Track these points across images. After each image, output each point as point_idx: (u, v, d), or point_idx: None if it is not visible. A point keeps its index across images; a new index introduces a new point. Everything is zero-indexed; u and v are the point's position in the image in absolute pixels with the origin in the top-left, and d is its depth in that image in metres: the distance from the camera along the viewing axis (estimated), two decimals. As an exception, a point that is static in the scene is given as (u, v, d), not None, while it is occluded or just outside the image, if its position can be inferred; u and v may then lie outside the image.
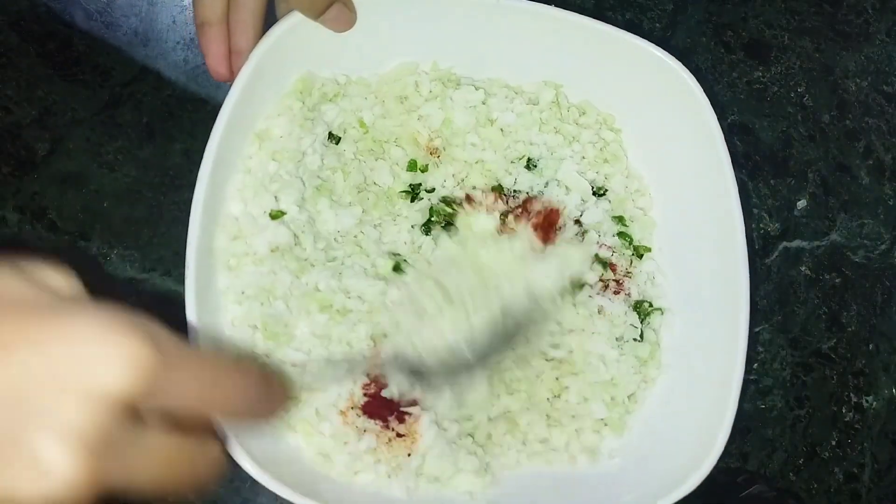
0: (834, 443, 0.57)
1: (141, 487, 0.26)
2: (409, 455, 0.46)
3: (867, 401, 0.59)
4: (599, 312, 0.50)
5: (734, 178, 0.48)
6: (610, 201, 0.53)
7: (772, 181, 0.62)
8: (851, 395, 0.59)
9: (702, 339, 0.49)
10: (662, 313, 0.51)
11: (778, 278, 0.60)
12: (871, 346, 0.60)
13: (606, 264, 0.51)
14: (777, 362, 0.58)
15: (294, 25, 0.45)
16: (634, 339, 0.50)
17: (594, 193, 0.52)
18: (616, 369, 0.49)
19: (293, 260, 0.46)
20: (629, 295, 0.51)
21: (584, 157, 0.53)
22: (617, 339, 0.50)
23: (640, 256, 0.52)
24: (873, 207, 0.62)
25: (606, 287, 0.51)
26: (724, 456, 0.55)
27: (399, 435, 0.46)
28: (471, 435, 0.47)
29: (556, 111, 0.53)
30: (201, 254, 0.42)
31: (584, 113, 0.54)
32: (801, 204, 0.62)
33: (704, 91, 0.49)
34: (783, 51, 0.65)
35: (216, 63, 0.44)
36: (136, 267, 0.52)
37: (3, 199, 0.52)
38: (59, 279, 0.26)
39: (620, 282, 0.51)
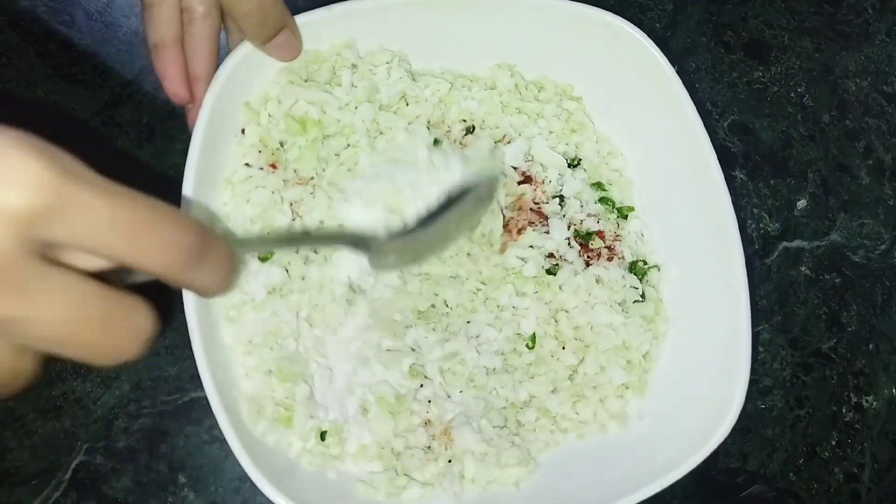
0: (834, 443, 0.57)
1: (47, 338, 0.23)
2: (449, 461, 0.46)
3: (867, 401, 0.59)
4: (598, 282, 0.50)
5: (701, 123, 0.48)
6: (585, 169, 0.53)
7: (772, 181, 0.62)
8: (851, 395, 0.59)
9: (702, 285, 0.49)
10: (659, 269, 0.52)
11: (778, 278, 0.60)
12: (871, 346, 0.60)
13: (592, 235, 0.52)
14: (777, 362, 0.58)
15: (244, 57, 0.45)
16: (636, 301, 0.51)
17: (569, 165, 0.53)
18: (625, 333, 0.50)
19: (291, 295, 0.46)
20: (623, 258, 0.52)
21: (551, 132, 0.53)
22: (620, 303, 0.50)
23: (625, 217, 0.53)
24: (873, 207, 0.62)
25: (599, 256, 0.51)
26: (725, 456, 0.55)
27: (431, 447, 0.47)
28: (505, 426, 0.48)
29: (516, 92, 0.53)
30: (200, 311, 0.42)
31: (542, 88, 0.54)
32: (801, 204, 0.62)
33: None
34: (783, 51, 0.65)
35: (174, 86, 0.44)
36: (136, 267, 0.52)
37: (3, 199, 0.52)
38: None
39: (612, 247, 0.52)
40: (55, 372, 0.50)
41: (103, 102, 0.54)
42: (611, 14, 0.49)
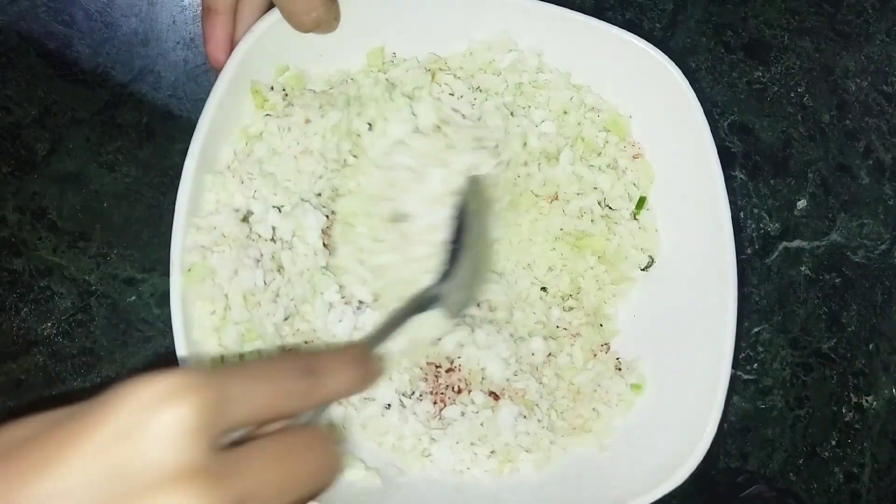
0: (834, 443, 0.57)
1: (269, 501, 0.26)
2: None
3: (867, 401, 0.59)
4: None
5: (710, 132, 0.48)
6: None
7: (772, 181, 0.62)
8: (851, 395, 0.59)
9: (693, 290, 0.49)
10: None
11: (778, 278, 0.60)
12: (871, 346, 0.60)
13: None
14: (777, 362, 0.58)
15: (275, 23, 0.45)
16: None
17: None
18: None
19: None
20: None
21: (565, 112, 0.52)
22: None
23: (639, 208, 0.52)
24: (873, 207, 0.62)
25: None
26: (724, 456, 0.55)
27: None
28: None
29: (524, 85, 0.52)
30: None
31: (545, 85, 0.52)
32: (801, 204, 0.62)
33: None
34: (783, 51, 0.65)
35: (217, 51, 0.45)
36: (136, 267, 0.52)
37: (3, 199, 0.52)
38: None
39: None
40: (55, 372, 0.50)
41: (103, 102, 0.54)
42: (616, 28, 0.48)
